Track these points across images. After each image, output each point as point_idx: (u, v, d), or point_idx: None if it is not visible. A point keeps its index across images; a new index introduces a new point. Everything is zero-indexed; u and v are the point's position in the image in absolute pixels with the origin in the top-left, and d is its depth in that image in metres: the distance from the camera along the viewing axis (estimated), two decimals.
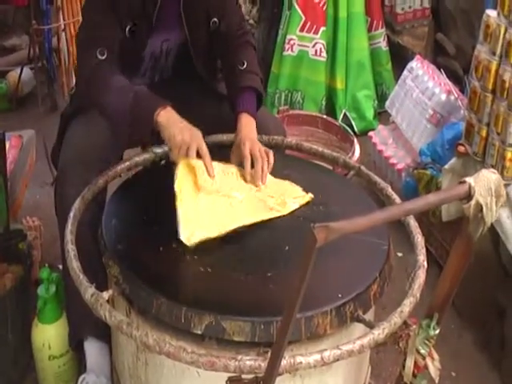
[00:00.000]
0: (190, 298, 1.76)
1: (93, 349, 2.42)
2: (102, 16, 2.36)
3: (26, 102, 4.73)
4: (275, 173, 2.32)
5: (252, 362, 1.58)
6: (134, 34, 2.40)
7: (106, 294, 1.78)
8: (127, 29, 2.38)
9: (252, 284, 1.84)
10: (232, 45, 2.60)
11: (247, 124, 2.38)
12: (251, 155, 2.25)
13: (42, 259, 2.97)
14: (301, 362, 1.60)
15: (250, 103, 2.45)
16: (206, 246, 1.96)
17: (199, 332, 1.70)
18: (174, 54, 2.61)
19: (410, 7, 5.13)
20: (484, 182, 1.49)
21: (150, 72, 2.62)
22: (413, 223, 2.12)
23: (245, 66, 2.51)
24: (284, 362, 1.58)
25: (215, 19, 2.54)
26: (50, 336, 2.47)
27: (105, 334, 2.34)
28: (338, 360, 1.63)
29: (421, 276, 1.90)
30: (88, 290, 1.77)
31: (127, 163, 2.32)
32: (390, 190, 2.32)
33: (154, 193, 2.20)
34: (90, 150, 2.34)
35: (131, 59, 2.48)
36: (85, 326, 2.40)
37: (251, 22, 5.08)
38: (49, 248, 3.04)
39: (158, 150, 2.36)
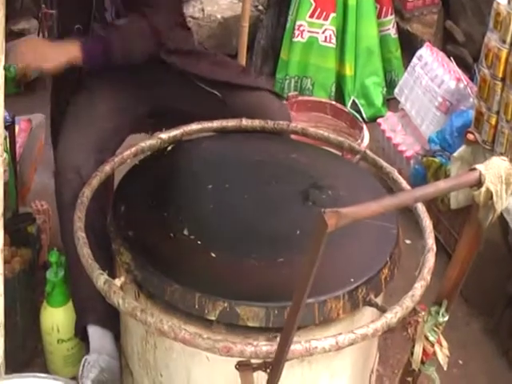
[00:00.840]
0: (203, 284, 1.76)
1: (95, 333, 2.43)
2: None
3: (35, 87, 4.70)
4: (282, 157, 2.33)
5: (268, 347, 1.59)
6: None
7: (118, 281, 1.78)
8: None
9: (265, 269, 1.85)
10: None
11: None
12: None
13: (50, 243, 2.98)
14: (316, 347, 1.61)
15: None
16: (218, 233, 1.97)
17: (213, 318, 1.71)
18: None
19: None
20: (494, 169, 1.49)
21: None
22: (421, 207, 2.12)
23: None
24: (299, 347, 1.59)
25: None
26: (58, 319, 2.48)
27: (105, 320, 2.37)
28: (352, 344, 1.64)
29: (430, 259, 1.91)
30: (100, 278, 1.76)
31: (133, 149, 2.31)
32: (396, 173, 2.32)
33: (161, 178, 2.21)
34: (88, 140, 2.36)
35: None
36: (86, 313, 2.42)
37: (260, 7, 5.06)
38: (57, 232, 3.03)
39: (164, 136, 2.36)
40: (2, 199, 1.90)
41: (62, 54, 2.34)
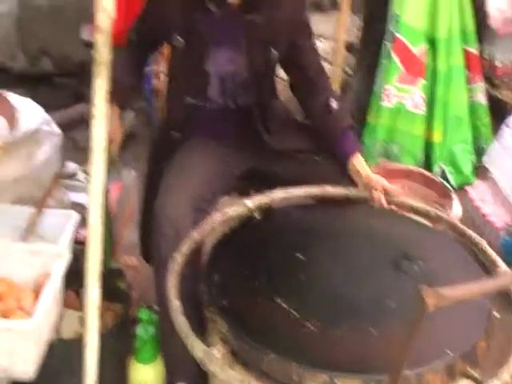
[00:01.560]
0: (300, 355, 1.78)
1: None
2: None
3: (127, 143, 4.80)
4: (370, 225, 2.36)
5: None
6: (188, 43, 2.48)
7: (216, 352, 1.81)
8: (178, 37, 2.48)
9: (359, 340, 1.86)
10: (314, 85, 2.66)
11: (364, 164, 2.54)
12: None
13: (139, 299, 3.03)
14: None
15: (355, 142, 2.61)
16: (311, 302, 1.99)
17: None
18: (242, 80, 2.60)
19: (510, 61, 5.06)
20: None
21: (220, 95, 2.62)
22: None
23: (335, 105, 2.59)
24: None
25: (274, 51, 2.56)
26: (147, 376, 2.52)
27: (196, 380, 2.37)
28: None
29: None
30: (197, 347, 1.79)
31: (221, 216, 2.35)
32: (485, 245, 2.30)
33: (252, 247, 2.27)
34: (186, 198, 2.40)
35: (195, 73, 2.55)
36: (177, 372, 2.43)
37: (347, 69, 5.09)
38: (145, 288, 3.08)
39: (249, 204, 2.42)
40: (100, 258, 1.96)
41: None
